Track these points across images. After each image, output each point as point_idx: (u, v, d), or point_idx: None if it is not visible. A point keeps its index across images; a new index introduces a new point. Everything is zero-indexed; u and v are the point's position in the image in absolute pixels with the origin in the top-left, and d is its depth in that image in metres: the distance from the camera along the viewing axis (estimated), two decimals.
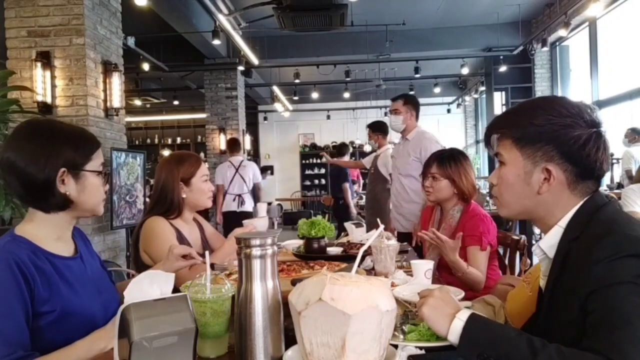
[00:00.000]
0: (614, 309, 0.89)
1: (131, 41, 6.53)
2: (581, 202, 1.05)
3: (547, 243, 1.08)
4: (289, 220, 11.13)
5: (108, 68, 4.19)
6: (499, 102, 9.95)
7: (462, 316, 1.00)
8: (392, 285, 1.54)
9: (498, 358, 0.93)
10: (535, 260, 1.50)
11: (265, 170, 11.78)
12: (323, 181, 14.31)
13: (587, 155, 1.02)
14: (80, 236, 1.44)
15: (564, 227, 1.05)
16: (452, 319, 1.01)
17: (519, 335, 0.95)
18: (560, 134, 1.02)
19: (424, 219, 2.66)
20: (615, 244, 0.93)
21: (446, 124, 13.96)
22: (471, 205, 2.31)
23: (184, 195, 2.03)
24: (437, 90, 10.93)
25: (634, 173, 5.70)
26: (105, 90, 4.18)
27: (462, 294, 1.48)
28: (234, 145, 6.56)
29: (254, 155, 13.69)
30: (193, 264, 1.61)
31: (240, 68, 8.26)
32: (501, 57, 8.85)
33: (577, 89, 8.55)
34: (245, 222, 2.18)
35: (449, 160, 2.35)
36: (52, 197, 1.25)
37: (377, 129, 5.03)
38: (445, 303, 1.05)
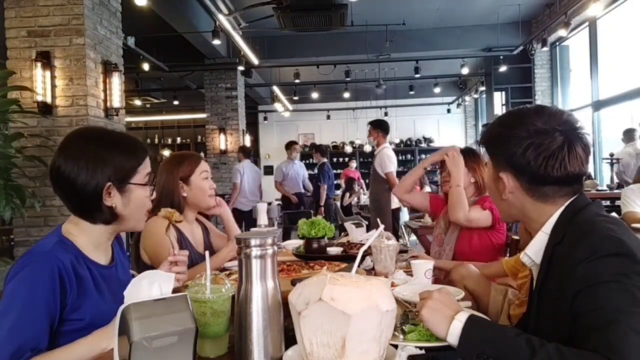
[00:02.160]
0: (600, 308, 0.92)
1: (131, 41, 6.53)
2: (562, 207, 1.09)
3: (533, 250, 1.12)
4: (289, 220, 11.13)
5: (108, 68, 4.19)
6: (499, 102, 9.96)
7: (461, 317, 1.01)
8: (392, 285, 1.54)
9: (497, 358, 0.94)
10: None
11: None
12: None
13: (527, 163, 1.08)
14: (118, 242, 1.43)
15: (549, 232, 1.09)
16: (451, 320, 1.01)
17: (518, 335, 0.96)
18: (503, 144, 1.12)
19: (434, 207, 2.67)
20: (594, 245, 0.97)
21: (446, 124, 13.97)
22: (486, 197, 2.37)
23: (184, 194, 2.02)
24: (437, 90, 10.94)
25: (623, 176, 5.71)
26: (105, 90, 4.18)
27: (462, 294, 1.48)
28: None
29: (254, 155, 13.68)
30: (180, 272, 1.46)
31: (240, 68, 8.26)
32: (501, 57, 8.85)
33: (577, 89, 8.55)
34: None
35: (466, 152, 2.47)
36: (98, 212, 1.24)
37: (378, 126, 5.05)
38: (444, 305, 1.05)
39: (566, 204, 1.09)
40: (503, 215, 1.25)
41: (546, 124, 1.08)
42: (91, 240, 1.28)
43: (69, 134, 1.30)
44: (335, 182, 8.75)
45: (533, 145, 1.07)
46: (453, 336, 1.00)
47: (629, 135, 5.93)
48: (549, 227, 1.09)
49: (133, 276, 1.23)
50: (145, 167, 1.31)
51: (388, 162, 4.93)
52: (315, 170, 13.08)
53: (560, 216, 1.09)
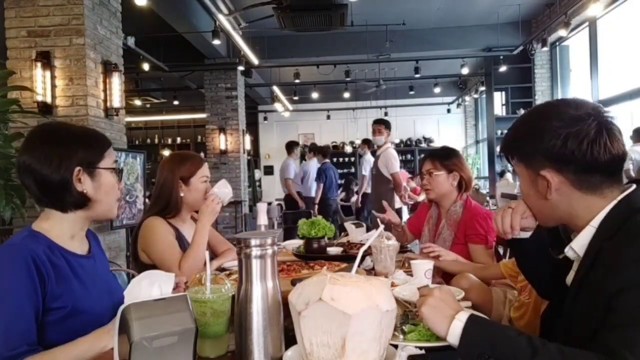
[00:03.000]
0: (636, 308, 0.90)
1: (131, 41, 6.53)
2: (614, 202, 1.05)
3: (579, 243, 1.08)
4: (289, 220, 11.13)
5: (108, 68, 4.19)
6: (499, 102, 9.96)
7: (462, 317, 1.00)
8: (392, 285, 1.54)
9: (498, 358, 0.93)
10: None
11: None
12: None
13: (571, 153, 1.03)
14: (93, 237, 1.45)
15: (597, 226, 1.06)
16: (451, 320, 1.01)
17: (519, 335, 0.95)
18: (540, 141, 1.06)
19: (419, 217, 2.67)
20: None
21: (446, 124, 13.96)
22: (470, 201, 2.33)
23: (182, 194, 2.03)
24: (437, 90, 10.93)
25: (632, 173, 5.73)
26: (105, 90, 4.18)
27: (462, 294, 1.48)
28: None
29: (254, 155, 13.68)
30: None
31: (240, 68, 8.26)
32: (501, 57, 8.85)
33: (577, 89, 8.55)
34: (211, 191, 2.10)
35: (444, 153, 2.41)
36: (69, 196, 1.27)
37: (388, 126, 5.13)
38: (445, 303, 1.05)
39: (618, 198, 1.05)
40: (543, 219, 1.16)
41: (578, 111, 1.04)
42: (64, 231, 1.30)
43: (33, 128, 1.35)
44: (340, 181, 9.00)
45: (572, 133, 1.03)
46: (453, 336, 0.99)
47: (638, 134, 5.99)
48: (597, 221, 1.05)
49: (133, 276, 1.23)
50: (111, 155, 1.36)
51: (395, 162, 4.95)
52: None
53: (612, 211, 1.04)
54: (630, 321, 0.89)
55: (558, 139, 1.03)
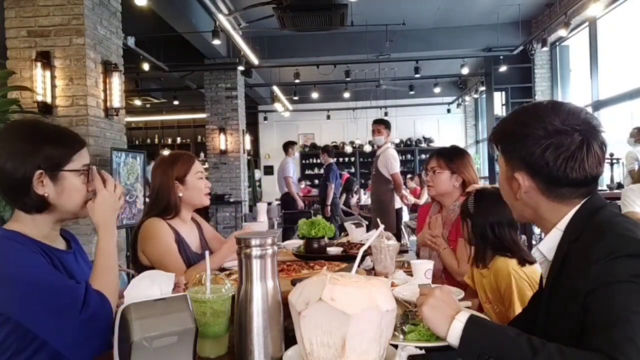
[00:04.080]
0: (612, 307, 0.91)
1: (131, 41, 6.53)
2: (578, 206, 1.08)
3: (546, 246, 1.11)
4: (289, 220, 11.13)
5: (108, 68, 4.19)
6: (499, 102, 9.96)
7: (462, 318, 1.00)
8: (392, 285, 1.54)
9: (498, 358, 0.94)
10: None
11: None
12: None
13: (546, 164, 1.05)
14: (71, 237, 1.43)
15: (563, 229, 1.08)
16: (451, 320, 1.01)
17: (519, 335, 0.95)
18: (521, 145, 1.08)
19: (421, 217, 2.67)
20: (612, 245, 0.96)
21: (446, 124, 13.97)
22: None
23: (180, 194, 2.02)
24: (437, 90, 10.93)
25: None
26: (105, 90, 4.18)
27: (462, 294, 1.48)
28: None
29: (254, 155, 13.68)
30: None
31: (240, 68, 8.26)
32: (501, 57, 8.85)
33: (577, 89, 8.55)
34: (244, 224, 2.18)
35: (451, 153, 2.41)
36: (28, 199, 1.23)
37: (388, 126, 5.12)
38: (445, 303, 1.05)
39: (582, 202, 1.07)
40: (516, 215, 1.20)
41: (564, 123, 1.04)
42: (34, 232, 1.27)
43: (8, 123, 1.32)
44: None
45: (552, 145, 1.04)
46: (453, 337, 0.99)
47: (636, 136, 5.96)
48: (563, 224, 1.08)
49: (133, 276, 1.23)
50: (82, 157, 1.30)
51: (394, 162, 4.95)
52: (321, 170, 13.28)
53: (576, 214, 1.07)
54: (611, 321, 0.90)
55: (538, 147, 1.05)
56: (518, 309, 1.52)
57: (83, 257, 1.42)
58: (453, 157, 2.37)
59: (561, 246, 1.07)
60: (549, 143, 1.04)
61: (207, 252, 1.19)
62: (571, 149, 1.03)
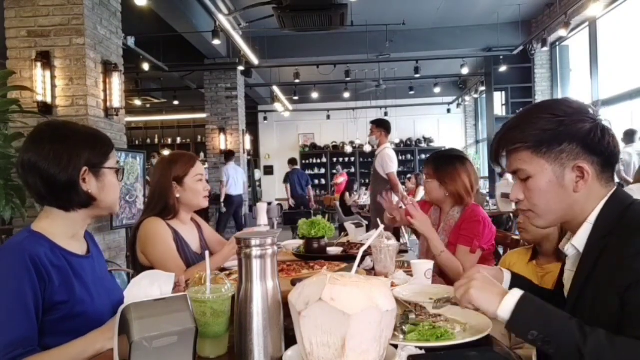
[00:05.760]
0: None
1: (131, 41, 6.53)
2: (607, 197, 1.07)
3: (579, 240, 1.09)
4: (289, 220, 11.13)
5: (108, 68, 4.19)
6: (499, 102, 9.97)
7: (516, 293, 1.02)
8: (392, 285, 1.54)
9: (546, 337, 0.95)
10: None
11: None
12: (323, 181, 14.33)
13: (607, 144, 1.05)
14: (91, 238, 1.46)
15: (593, 222, 1.07)
16: (502, 296, 1.02)
17: (571, 318, 0.97)
18: (576, 130, 1.04)
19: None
20: None
21: (446, 124, 13.98)
22: (471, 207, 2.26)
23: (177, 195, 2.01)
24: (437, 90, 10.94)
25: (623, 174, 5.73)
26: (105, 90, 4.18)
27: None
28: None
29: (254, 155, 13.68)
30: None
31: (240, 68, 8.26)
32: (501, 57, 8.85)
33: (577, 89, 8.55)
34: (246, 229, 2.17)
35: (441, 161, 2.30)
36: (76, 196, 1.28)
37: (381, 125, 5.09)
38: (490, 284, 1.07)
39: (608, 195, 1.07)
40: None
41: (593, 110, 1.07)
42: (65, 230, 1.31)
43: (38, 126, 1.34)
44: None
45: (601, 127, 1.04)
46: (505, 311, 1.00)
47: (629, 137, 6.00)
48: (593, 217, 1.07)
49: (133, 276, 1.23)
50: (114, 155, 1.39)
51: (390, 162, 4.94)
52: (322, 170, 13.33)
53: (605, 207, 1.06)
54: None
55: (596, 129, 1.04)
56: None
57: (100, 259, 1.45)
58: (442, 165, 2.27)
59: (593, 239, 1.06)
60: (598, 124, 1.04)
61: (207, 252, 1.18)
62: (611, 130, 1.05)
